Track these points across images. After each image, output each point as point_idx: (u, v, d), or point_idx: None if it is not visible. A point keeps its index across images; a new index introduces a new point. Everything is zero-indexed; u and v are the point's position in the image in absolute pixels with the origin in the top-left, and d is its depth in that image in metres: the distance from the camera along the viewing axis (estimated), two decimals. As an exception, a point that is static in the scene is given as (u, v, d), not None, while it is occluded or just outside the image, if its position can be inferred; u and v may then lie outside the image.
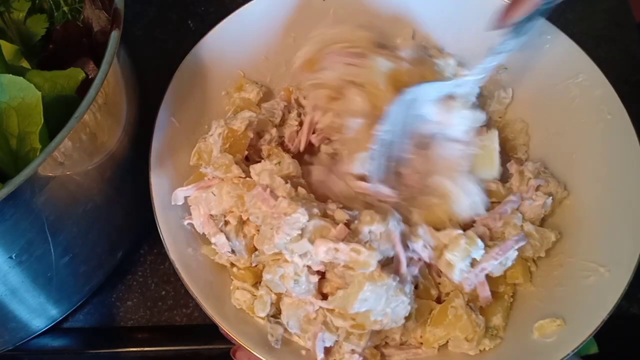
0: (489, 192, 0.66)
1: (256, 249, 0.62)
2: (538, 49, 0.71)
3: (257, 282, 0.62)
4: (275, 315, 0.61)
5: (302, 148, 0.70)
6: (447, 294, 0.62)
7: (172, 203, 0.64)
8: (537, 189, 0.66)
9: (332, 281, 0.60)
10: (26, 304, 0.61)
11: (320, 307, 0.59)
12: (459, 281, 0.61)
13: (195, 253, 0.63)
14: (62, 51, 0.64)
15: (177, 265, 0.60)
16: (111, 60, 0.52)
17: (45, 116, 0.52)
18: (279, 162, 0.62)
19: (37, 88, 0.52)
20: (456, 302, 0.60)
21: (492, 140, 0.66)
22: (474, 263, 0.61)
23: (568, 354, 0.56)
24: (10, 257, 0.54)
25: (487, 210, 0.65)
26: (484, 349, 0.60)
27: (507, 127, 0.72)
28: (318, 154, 0.71)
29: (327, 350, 0.59)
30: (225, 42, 0.71)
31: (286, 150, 0.70)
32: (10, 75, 0.53)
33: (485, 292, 0.62)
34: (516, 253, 0.62)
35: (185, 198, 0.64)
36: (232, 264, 0.64)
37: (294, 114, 0.71)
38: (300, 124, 0.71)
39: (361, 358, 0.59)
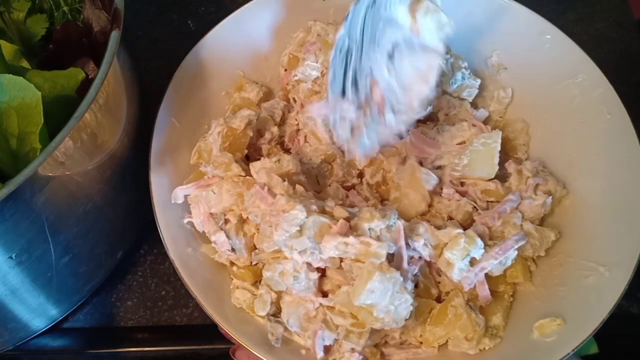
0: (487, 192, 0.66)
1: (256, 248, 0.62)
2: (538, 49, 0.71)
3: (256, 281, 0.63)
4: (276, 314, 0.61)
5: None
6: (447, 293, 0.62)
7: (172, 201, 0.64)
8: (536, 187, 0.66)
9: (333, 279, 0.60)
10: (26, 304, 0.61)
11: (321, 304, 0.59)
12: (459, 280, 0.61)
13: (195, 253, 0.63)
14: (62, 51, 0.65)
15: (177, 265, 0.60)
16: (111, 60, 0.52)
17: (45, 116, 0.52)
18: (279, 160, 0.62)
19: (37, 88, 0.53)
20: (456, 301, 0.60)
21: (495, 139, 0.66)
22: (473, 262, 0.61)
23: (568, 354, 0.56)
24: (10, 257, 0.54)
25: (486, 209, 0.65)
26: (484, 348, 0.60)
27: (507, 126, 0.72)
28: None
29: (327, 349, 0.59)
30: (225, 42, 0.72)
31: (286, 150, 0.70)
32: (10, 75, 0.53)
33: (484, 292, 0.62)
34: (516, 252, 0.62)
35: (185, 197, 0.64)
36: (232, 263, 0.64)
37: (293, 114, 0.71)
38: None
39: (361, 357, 0.59)
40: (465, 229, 0.62)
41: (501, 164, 0.67)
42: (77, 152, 0.53)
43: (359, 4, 0.55)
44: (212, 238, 0.62)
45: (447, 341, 0.61)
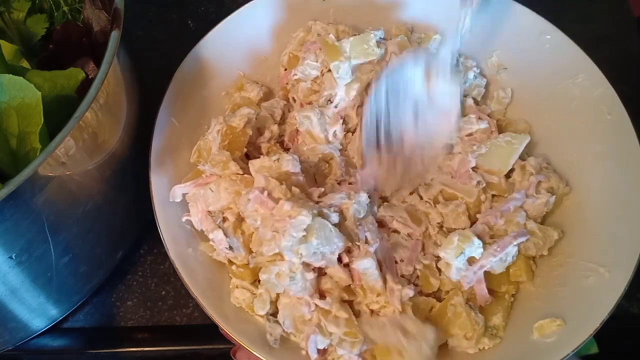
0: (490, 185, 0.66)
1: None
2: (538, 49, 0.71)
3: (255, 280, 0.62)
4: (275, 313, 0.61)
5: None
6: (447, 292, 0.62)
7: (170, 200, 0.64)
8: (538, 185, 0.66)
9: (333, 277, 0.60)
10: (26, 304, 0.61)
11: (317, 306, 0.59)
12: (457, 279, 0.61)
13: (195, 253, 0.63)
14: (62, 51, 0.64)
15: (177, 264, 0.60)
16: (111, 60, 0.52)
17: (45, 116, 0.52)
18: (278, 159, 0.62)
19: (37, 88, 0.53)
20: (455, 300, 0.60)
21: (520, 141, 0.67)
22: (472, 261, 0.61)
23: (568, 354, 0.56)
24: (10, 257, 0.54)
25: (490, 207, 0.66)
26: (484, 347, 0.60)
27: (509, 127, 0.72)
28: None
29: (324, 351, 0.59)
30: (225, 42, 0.72)
31: (286, 149, 0.70)
32: (10, 75, 0.53)
33: (482, 291, 0.62)
34: (516, 249, 0.62)
35: (184, 195, 0.64)
36: (230, 262, 0.63)
37: (293, 113, 0.71)
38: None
39: (360, 359, 0.59)
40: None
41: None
42: (77, 152, 0.53)
43: (380, 79, 0.65)
44: (210, 236, 0.62)
45: (446, 340, 0.61)
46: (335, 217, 0.58)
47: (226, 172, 0.63)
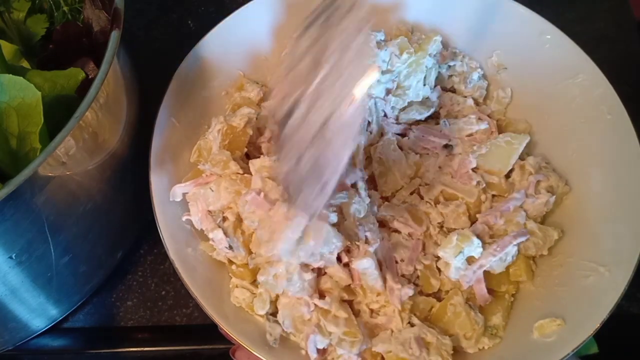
0: (491, 185, 0.66)
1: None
2: (538, 49, 0.71)
3: (255, 280, 0.62)
4: (275, 313, 0.61)
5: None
6: (447, 292, 0.62)
7: (170, 199, 0.64)
8: (538, 184, 0.66)
9: (333, 276, 0.60)
10: (26, 304, 0.61)
11: (316, 305, 0.59)
12: (457, 279, 0.61)
13: (195, 253, 0.63)
14: (62, 51, 0.64)
15: (177, 264, 0.60)
16: (111, 60, 0.52)
17: (45, 116, 0.52)
18: (278, 158, 0.62)
19: (37, 88, 0.53)
20: (455, 300, 0.60)
21: (520, 141, 0.68)
22: (471, 260, 0.61)
23: (568, 354, 0.56)
24: (10, 257, 0.54)
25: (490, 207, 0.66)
26: (483, 347, 0.60)
27: (509, 127, 0.72)
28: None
29: (324, 351, 0.59)
30: (225, 42, 0.71)
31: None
32: (10, 75, 0.53)
33: (482, 291, 0.62)
34: (515, 248, 0.62)
35: (184, 195, 0.64)
36: (230, 262, 0.64)
37: (294, 113, 0.71)
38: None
39: (359, 359, 0.59)
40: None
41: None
42: (77, 152, 0.53)
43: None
44: (210, 235, 0.62)
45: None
46: (334, 217, 0.58)
47: (226, 171, 0.63)
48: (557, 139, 0.69)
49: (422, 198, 0.67)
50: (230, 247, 0.62)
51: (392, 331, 0.59)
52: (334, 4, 0.48)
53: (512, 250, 0.62)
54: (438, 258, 0.63)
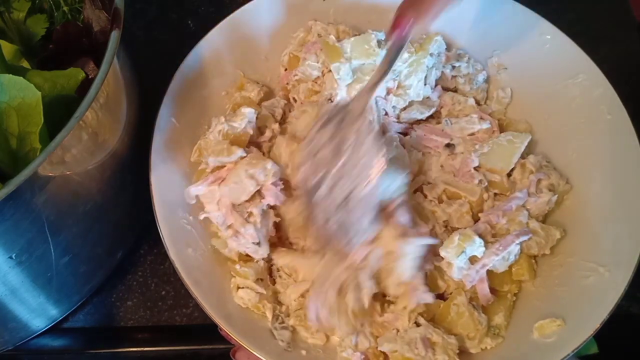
0: (493, 184, 0.67)
1: (278, 232, 0.64)
2: (538, 49, 0.71)
3: (258, 279, 0.62)
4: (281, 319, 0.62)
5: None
6: (451, 292, 0.62)
7: (187, 201, 0.63)
8: (539, 182, 0.66)
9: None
10: (26, 304, 0.61)
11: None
12: (459, 278, 0.61)
13: (195, 253, 0.63)
14: (62, 51, 0.65)
15: (177, 265, 0.60)
16: (111, 60, 0.52)
17: (45, 116, 0.52)
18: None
19: (37, 88, 0.53)
20: (458, 300, 0.60)
21: (521, 140, 0.68)
22: (474, 260, 0.61)
23: (568, 354, 0.56)
24: (10, 257, 0.54)
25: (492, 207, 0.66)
26: (486, 347, 0.60)
27: (509, 127, 0.72)
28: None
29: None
30: (225, 42, 0.72)
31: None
32: (10, 75, 0.53)
33: (484, 290, 0.62)
34: (518, 247, 0.62)
35: (197, 196, 0.64)
36: (234, 261, 0.63)
37: (294, 113, 0.71)
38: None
39: (363, 356, 0.59)
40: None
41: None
42: (77, 152, 0.53)
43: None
44: (241, 230, 0.62)
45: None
46: None
47: (232, 157, 0.62)
48: (557, 139, 0.69)
49: (425, 197, 0.67)
50: (258, 243, 0.62)
51: (398, 330, 0.59)
52: (346, 107, 0.60)
53: (514, 249, 0.62)
54: (442, 258, 0.63)
